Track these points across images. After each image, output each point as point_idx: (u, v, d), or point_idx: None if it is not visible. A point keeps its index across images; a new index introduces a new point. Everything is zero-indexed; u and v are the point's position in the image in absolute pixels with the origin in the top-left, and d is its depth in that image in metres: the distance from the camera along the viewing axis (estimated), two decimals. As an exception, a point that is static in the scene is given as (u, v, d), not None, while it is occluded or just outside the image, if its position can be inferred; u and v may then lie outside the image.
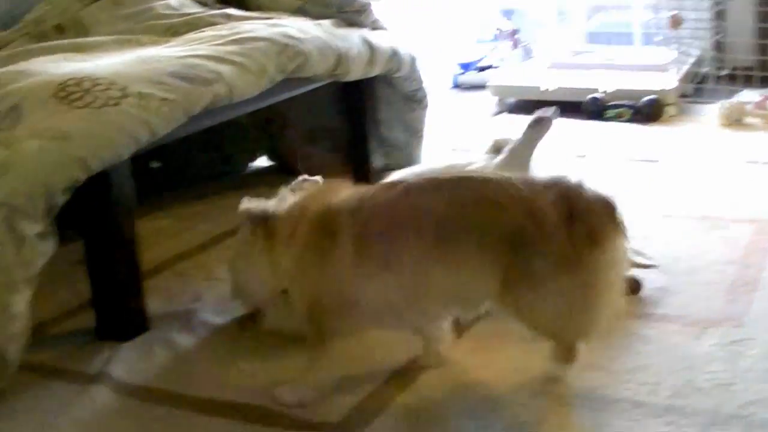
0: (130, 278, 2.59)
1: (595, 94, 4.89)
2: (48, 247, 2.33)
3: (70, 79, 2.55)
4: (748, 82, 5.05)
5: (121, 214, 2.56)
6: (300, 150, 4.03)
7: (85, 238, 2.57)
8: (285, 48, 3.02)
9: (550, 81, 5.10)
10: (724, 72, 5.27)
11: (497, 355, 2.37)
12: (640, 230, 2.92)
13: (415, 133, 4.00)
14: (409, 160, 4.02)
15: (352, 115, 3.85)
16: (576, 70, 5.26)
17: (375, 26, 3.71)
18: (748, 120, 4.66)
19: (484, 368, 2.31)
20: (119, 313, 2.60)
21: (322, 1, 3.55)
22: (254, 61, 2.89)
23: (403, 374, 2.31)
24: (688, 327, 2.46)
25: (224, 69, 2.78)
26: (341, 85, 3.63)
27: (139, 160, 3.91)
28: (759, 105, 4.70)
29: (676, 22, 4.94)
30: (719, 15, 5.31)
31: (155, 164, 4.26)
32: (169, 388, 2.33)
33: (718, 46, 5.32)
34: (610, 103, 4.85)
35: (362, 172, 3.74)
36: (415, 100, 3.89)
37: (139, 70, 2.64)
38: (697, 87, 5.21)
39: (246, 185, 3.63)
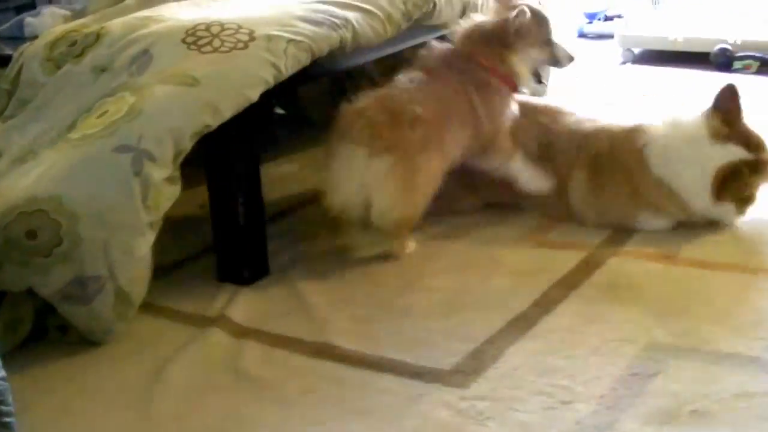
0: (252, 222, 2.61)
1: (724, 45, 4.75)
2: (173, 191, 2.35)
3: (200, 24, 2.56)
4: None
5: (244, 156, 2.57)
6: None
7: (209, 181, 2.58)
8: (413, -5, 2.97)
9: (678, 31, 4.96)
10: None
11: (611, 308, 2.35)
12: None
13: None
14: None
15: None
16: (706, 21, 5.10)
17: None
18: None
19: (600, 319, 2.28)
20: (241, 257, 2.63)
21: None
22: (381, 8, 2.86)
23: (522, 320, 2.31)
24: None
25: (351, 15, 2.75)
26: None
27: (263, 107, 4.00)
28: None
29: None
30: None
31: (279, 111, 4.28)
32: (285, 332, 2.35)
33: None
34: (738, 54, 4.71)
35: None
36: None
37: (267, 15, 2.64)
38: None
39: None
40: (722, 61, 4.70)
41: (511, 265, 2.62)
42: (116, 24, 2.70)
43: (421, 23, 3.09)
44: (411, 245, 2.74)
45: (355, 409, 1.98)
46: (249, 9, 2.72)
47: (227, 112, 2.38)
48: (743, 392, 1.91)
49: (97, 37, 2.67)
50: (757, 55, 4.66)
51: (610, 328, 2.22)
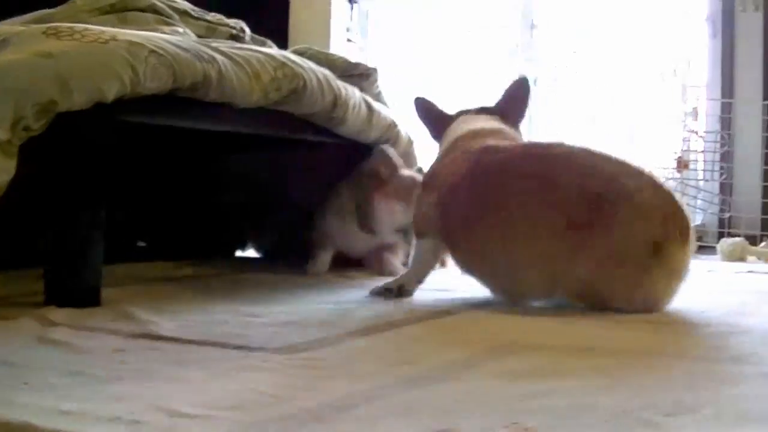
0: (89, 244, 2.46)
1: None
2: (6, 165, 2.22)
3: (64, 24, 2.53)
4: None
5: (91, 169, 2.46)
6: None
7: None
8: (283, 66, 2.96)
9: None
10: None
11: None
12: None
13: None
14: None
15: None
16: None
17: (378, 99, 3.68)
18: (751, 258, 4.63)
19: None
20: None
21: (326, 61, 3.52)
22: (250, 64, 2.84)
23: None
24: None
25: (219, 57, 2.73)
26: (341, 159, 3.59)
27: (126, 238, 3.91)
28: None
29: (681, 164, 4.96)
30: (723, 188, 5.36)
31: (141, 243, 4.19)
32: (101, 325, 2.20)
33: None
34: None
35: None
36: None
37: (136, 34, 2.61)
38: (700, 245, 5.18)
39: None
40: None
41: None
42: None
43: (295, 105, 3.07)
44: None
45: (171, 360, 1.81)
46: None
47: (78, 96, 2.30)
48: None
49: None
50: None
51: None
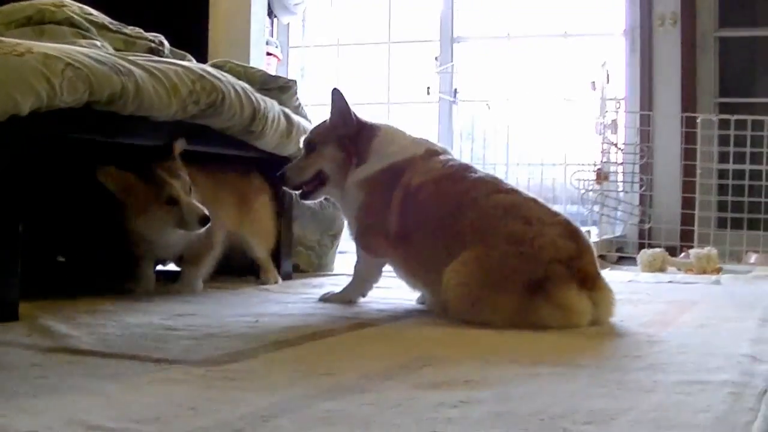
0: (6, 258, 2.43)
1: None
2: None
3: (-23, 37, 2.49)
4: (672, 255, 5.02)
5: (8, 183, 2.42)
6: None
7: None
8: (201, 78, 2.95)
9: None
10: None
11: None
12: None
13: (328, 232, 3.91)
14: (321, 263, 3.94)
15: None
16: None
17: (298, 112, 3.68)
18: (670, 269, 4.70)
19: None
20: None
21: (244, 74, 3.52)
22: (167, 77, 2.82)
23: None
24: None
25: (137, 70, 2.71)
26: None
27: (46, 254, 3.84)
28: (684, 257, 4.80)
29: (601, 176, 5.00)
30: (643, 199, 5.44)
31: (60, 258, 4.12)
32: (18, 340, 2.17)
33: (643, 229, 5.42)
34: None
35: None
36: (330, 197, 3.81)
37: (52, 47, 2.57)
38: (621, 256, 5.25)
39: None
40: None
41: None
42: None
43: (213, 119, 3.06)
44: None
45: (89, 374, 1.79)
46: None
47: (-7, 112, 2.26)
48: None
49: None
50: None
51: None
